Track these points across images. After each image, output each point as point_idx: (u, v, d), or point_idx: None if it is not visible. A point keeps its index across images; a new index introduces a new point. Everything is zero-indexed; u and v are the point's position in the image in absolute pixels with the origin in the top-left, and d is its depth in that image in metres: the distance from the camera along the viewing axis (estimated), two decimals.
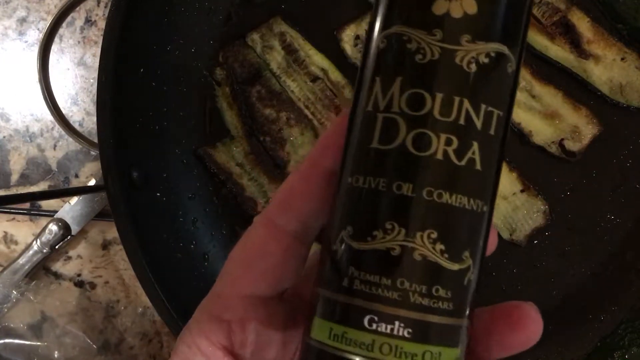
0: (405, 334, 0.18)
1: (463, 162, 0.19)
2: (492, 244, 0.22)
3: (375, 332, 0.18)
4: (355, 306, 0.19)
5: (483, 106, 0.19)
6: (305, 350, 0.20)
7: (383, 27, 0.20)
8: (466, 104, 0.18)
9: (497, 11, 0.19)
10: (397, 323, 0.18)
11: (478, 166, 0.19)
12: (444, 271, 0.18)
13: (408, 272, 0.18)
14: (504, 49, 0.19)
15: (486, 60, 0.19)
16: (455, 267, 0.19)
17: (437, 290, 0.18)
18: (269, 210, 0.23)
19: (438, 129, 0.18)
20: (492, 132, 0.19)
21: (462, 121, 0.18)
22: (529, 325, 0.21)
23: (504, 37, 0.19)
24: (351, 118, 0.20)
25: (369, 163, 0.19)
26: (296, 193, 0.22)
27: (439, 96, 0.18)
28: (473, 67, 0.18)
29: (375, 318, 0.18)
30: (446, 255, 0.18)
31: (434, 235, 0.18)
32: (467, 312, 0.19)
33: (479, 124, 0.19)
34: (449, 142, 0.18)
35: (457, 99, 0.18)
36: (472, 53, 0.18)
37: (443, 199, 0.18)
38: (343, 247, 0.19)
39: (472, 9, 0.18)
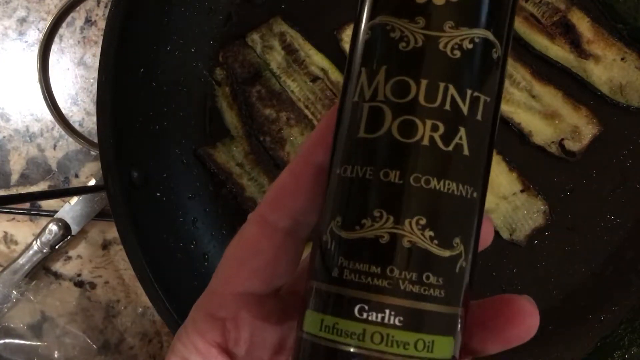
0: (396, 323, 0.18)
1: (450, 148, 0.18)
2: (488, 236, 0.22)
3: (366, 321, 0.18)
4: (345, 296, 0.18)
5: (469, 92, 0.19)
6: (298, 343, 0.20)
7: (367, 19, 0.20)
8: (451, 89, 0.18)
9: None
10: (387, 311, 0.18)
11: (466, 152, 0.19)
12: (434, 258, 0.18)
13: (397, 260, 0.18)
14: (489, 34, 0.19)
15: (470, 46, 0.19)
16: (446, 253, 0.18)
17: (427, 278, 0.18)
18: (261, 207, 0.23)
19: (423, 115, 0.18)
20: (479, 117, 0.19)
21: (447, 107, 0.18)
22: (525, 319, 0.20)
23: (488, 22, 0.19)
24: (339, 111, 0.20)
25: (356, 152, 0.19)
26: (287, 190, 0.22)
27: (424, 83, 0.18)
28: (457, 53, 0.18)
29: (366, 307, 0.18)
30: (436, 242, 0.18)
31: (423, 221, 0.18)
32: (461, 300, 0.19)
33: (465, 109, 0.19)
34: (435, 128, 0.18)
35: (442, 85, 0.18)
36: (456, 39, 0.18)
37: (431, 185, 0.18)
38: (333, 237, 0.19)
39: None
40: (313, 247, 0.21)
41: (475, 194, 0.19)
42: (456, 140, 0.19)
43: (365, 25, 0.20)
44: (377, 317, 0.18)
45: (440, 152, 0.18)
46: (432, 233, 0.18)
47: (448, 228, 0.19)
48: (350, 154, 0.19)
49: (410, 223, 0.18)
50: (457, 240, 0.19)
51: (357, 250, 0.19)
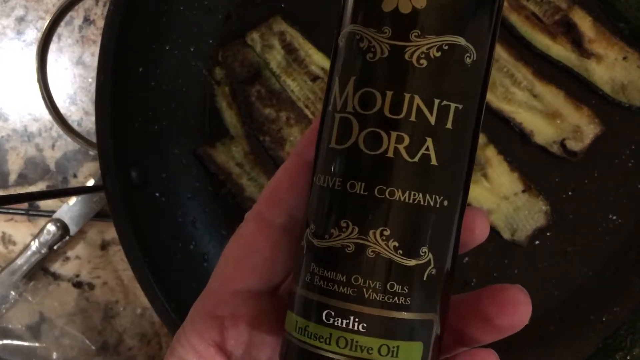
0: (360, 329, 0.19)
1: (415, 159, 0.19)
2: (483, 232, 0.22)
3: (332, 326, 0.19)
4: (314, 301, 0.19)
5: (436, 101, 0.19)
6: (282, 341, 0.21)
7: (342, 27, 0.20)
8: (417, 100, 0.18)
9: (448, 3, 0.19)
10: (351, 318, 0.19)
11: (433, 162, 0.19)
12: (399, 267, 0.19)
13: (362, 269, 0.19)
14: (460, 40, 0.19)
15: (438, 54, 0.18)
16: (412, 262, 0.19)
17: (392, 286, 0.19)
18: (258, 204, 0.23)
19: (388, 127, 0.19)
20: (449, 126, 0.19)
21: (413, 118, 0.18)
22: (517, 307, 0.21)
23: (458, 28, 0.19)
24: (321, 118, 0.21)
25: (327, 162, 0.20)
26: (283, 186, 0.23)
27: (389, 94, 0.18)
28: (423, 62, 0.18)
29: (332, 313, 0.19)
30: (400, 252, 0.19)
31: (387, 232, 0.19)
32: (433, 305, 0.19)
33: (432, 119, 0.19)
34: (399, 140, 0.18)
35: (407, 96, 0.18)
36: (422, 48, 0.18)
37: (395, 197, 0.19)
38: (307, 244, 0.20)
39: (421, 3, 0.18)
40: (295, 251, 0.21)
41: (446, 202, 0.19)
42: (422, 151, 0.19)
43: (340, 33, 0.20)
44: (342, 323, 0.19)
45: (405, 163, 0.19)
46: (396, 243, 0.19)
47: (414, 238, 0.19)
48: (323, 163, 0.20)
49: (374, 234, 0.19)
50: (424, 249, 0.19)
51: (326, 258, 0.19)
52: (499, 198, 0.43)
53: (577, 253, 0.43)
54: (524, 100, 0.43)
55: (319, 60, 0.45)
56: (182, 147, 0.46)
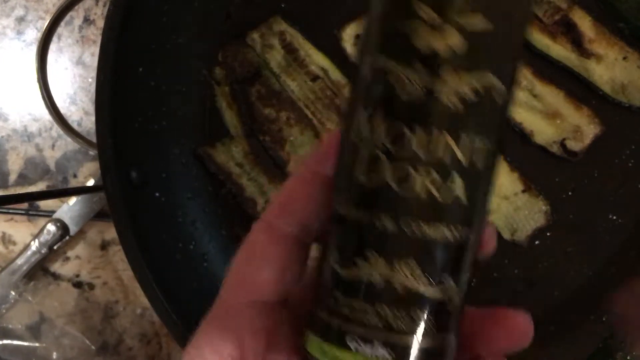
0: (386, 355, 0.19)
1: (444, 196, 0.19)
2: (490, 245, 0.22)
3: (357, 352, 0.19)
4: (338, 326, 0.20)
5: (467, 140, 0.18)
6: (301, 358, 0.21)
7: (369, 57, 0.19)
8: (448, 139, 0.18)
9: (484, 43, 0.18)
10: (377, 344, 0.19)
11: (462, 198, 0.19)
12: (423, 297, 0.19)
13: (387, 299, 0.19)
14: (492, 79, 0.18)
15: (471, 94, 0.18)
16: (436, 293, 0.19)
17: (416, 315, 0.19)
18: (267, 214, 0.23)
19: (418, 164, 0.18)
20: (478, 164, 0.19)
21: (443, 156, 0.18)
22: (520, 337, 0.21)
23: (491, 68, 0.18)
24: (342, 141, 0.21)
25: (352, 194, 0.20)
26: (296, 196, 0.22)
27: (420, 131, 0.18)
28: (455, 101, 0.18)
29: (356, 339, 0.19)
30: (425, 282, 0.19)
31: (413, 263, 0.19)
32: (452, 329, 0.20)
33: (462, 158, 0.19)
34: (429, 176, 0.18)
35: (438, 134, 0.18)
36: (455, 87, 0.18)
37: (422, 230, 0.19)
38: (331, 270, 0.20)
39: (456, 41, 0.18)
40: (317, 270, 0.21)
41: (470, 235, 0.19)
42: (451, 188, 0.19)
43: (368, 64, 0.19)
44: (366, 349, 0.19)
45: (433, 200, 0.19)
46: (421, 274, 0.19)
47: (438, 269, 0.19)
48: (347, 193, 0.20)
49: (400, 265, 0.19)
50: (447, 278, 0.19)
51: (350, 286, 0.20)
52: (499, 198, 0.43)
53: (577, 253, 0.43)
54: (524, 100, 0.43)
55: (319, 60, 0.45)
56: (182, 147, 0.46)
